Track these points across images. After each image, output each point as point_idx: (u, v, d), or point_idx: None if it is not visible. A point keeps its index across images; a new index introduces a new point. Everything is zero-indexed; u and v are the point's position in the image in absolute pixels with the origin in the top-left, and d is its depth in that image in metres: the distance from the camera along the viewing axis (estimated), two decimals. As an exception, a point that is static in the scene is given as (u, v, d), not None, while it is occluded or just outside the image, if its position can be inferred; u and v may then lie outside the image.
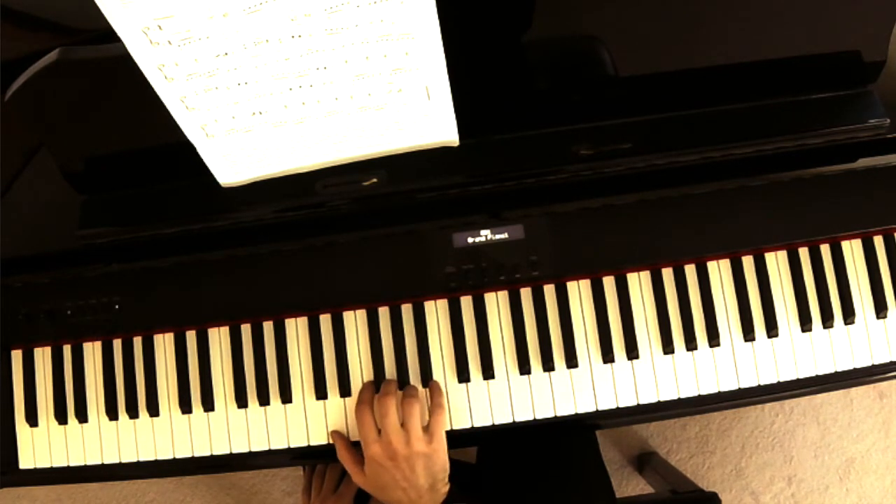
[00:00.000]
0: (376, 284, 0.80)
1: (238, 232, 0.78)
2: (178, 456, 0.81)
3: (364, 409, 0.76)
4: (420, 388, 0.80)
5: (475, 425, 0.80)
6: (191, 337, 0.83)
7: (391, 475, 0.74)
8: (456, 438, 0.79)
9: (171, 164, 0.74)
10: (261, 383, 0.81)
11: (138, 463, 0.82)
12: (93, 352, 0.83)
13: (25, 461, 0.83)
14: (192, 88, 0.61)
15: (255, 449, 0.81)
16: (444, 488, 0.77)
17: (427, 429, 0.76)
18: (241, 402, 0.81)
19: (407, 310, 0.81)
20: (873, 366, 0.80)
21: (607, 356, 0.80)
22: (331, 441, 0.80)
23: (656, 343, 0.80)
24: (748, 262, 0.81)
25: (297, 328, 0.82)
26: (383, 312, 0.81)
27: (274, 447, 0.81)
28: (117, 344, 0.83)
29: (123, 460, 0.82)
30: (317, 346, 0.81)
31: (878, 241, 0.82)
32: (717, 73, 0.74)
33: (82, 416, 0.82)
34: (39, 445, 0.83)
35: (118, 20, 0.54)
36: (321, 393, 0.81)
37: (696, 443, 1.50)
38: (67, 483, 0.90)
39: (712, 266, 0.81)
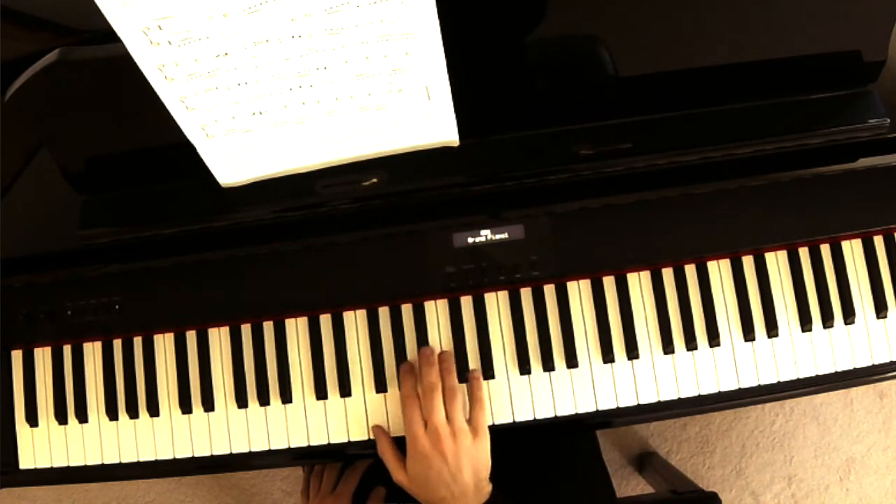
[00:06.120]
0: (376, 284, 0.80)
1: (238, 232, 0.77)
2: (179, 456, 0.81)
3: (411, 403, 0.75)
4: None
5: (475, 425, 0.80)
6: (191, 337, 0.83)
7: (437, 471, 0.72)
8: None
9: (172, 165, 0.73)
10: (261, 383, 0.81)
11: (138, 463, 0.82)
12: (93, 352, 0.83)
13: (25, 461, 0.83)
14: (192, 88, 0.61)
15: (255, 449, 0.81)
16: (488, 487, 0.75)
17: (470, 423, 0.75)
18: (241, 402, 0.81)
19: (407, 310, 0.81)
20: (873, 366, 0.80)
21: (607, 356, 0.80)
22: (330, 441, 0.80)
23: (656, 343, 0.80)
24: (748, 262, 0.81)
25: (297, 328, 0.82)
26: (383, 312, 0.81)
27: (274, 447, 0.81)
28: (117, 344, 0.83)
29: (123, 460, 0.82)
30: (317, 346, 0.81)
31: (878, 241, 0.82)
32: (717, 72, 0.74)
33: (82, 417, 0.82)
34: (39, 445, 0.83)
35: (118, 20, 0.54)
36: (321, 393, 0.81)
37: (696, 443, 1.50)
38: (67, 483, 0.90)
39: (712, 266, 0.81)
